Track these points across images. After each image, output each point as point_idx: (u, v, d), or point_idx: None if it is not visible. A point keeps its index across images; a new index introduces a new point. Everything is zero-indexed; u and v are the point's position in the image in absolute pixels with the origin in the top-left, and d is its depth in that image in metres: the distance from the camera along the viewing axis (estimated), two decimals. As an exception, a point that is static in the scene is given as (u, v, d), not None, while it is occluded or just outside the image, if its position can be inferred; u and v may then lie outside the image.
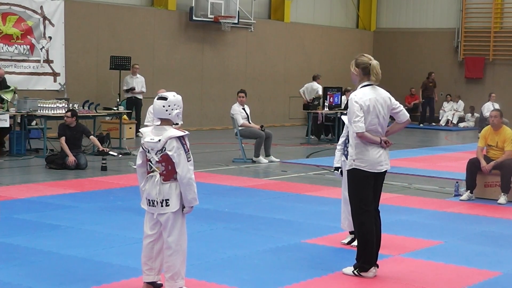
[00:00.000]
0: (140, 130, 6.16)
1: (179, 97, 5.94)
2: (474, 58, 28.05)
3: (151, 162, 5.88)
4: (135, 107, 19.76)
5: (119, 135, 17.43)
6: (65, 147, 13.34)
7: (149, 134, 5.90)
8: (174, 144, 5.78)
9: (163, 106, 5.85)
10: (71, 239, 7.89)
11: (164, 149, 5.79)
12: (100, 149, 13.94)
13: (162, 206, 5.84)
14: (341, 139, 7.91)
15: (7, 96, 14.99)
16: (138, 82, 19.95)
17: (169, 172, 5.83)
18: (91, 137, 14.07)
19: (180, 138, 5.81)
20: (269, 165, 14.94)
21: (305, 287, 6.44)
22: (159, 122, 5.95)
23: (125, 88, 19.88)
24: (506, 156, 11.00)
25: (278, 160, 15.36)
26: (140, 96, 19.96)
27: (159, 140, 5.79)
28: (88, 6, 20.16)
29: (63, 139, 13.42)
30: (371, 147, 6.67)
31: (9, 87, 15.78)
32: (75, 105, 15.59)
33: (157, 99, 5.91)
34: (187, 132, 5.89)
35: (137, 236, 7.30)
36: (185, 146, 5.81)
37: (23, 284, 6.20)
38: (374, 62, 6.73)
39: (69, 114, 13.67)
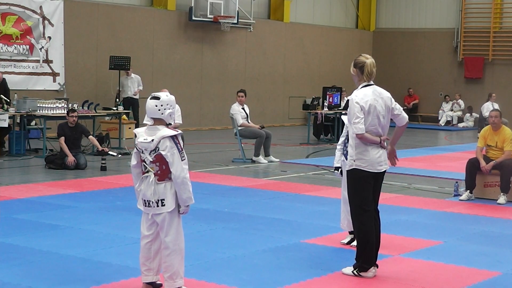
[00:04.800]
0: (134, 130, 6.13)
1: (172, 97, 5.93)
2: (473, 58, 28.06)
3: (145, 162, 5.87)
4: (132, 107, 19.68)
5: (118, 135, 17.43)
6: (65, 147, 13.33)
7: (143, 134, 5.88)
8: (167, 144, 5.77)
9: (156, 106, 5.83)
10: (70, 239, 7.88)
11: (157, 149, 5.78)
12: (100, 149, 13.93)
13: (157, 206, 5.82)
14: (341, 139, 7.90)
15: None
16: (133, 82, 19.85)
17: (164, 172, 5.82)
18: (90, 137, 14.06)
19: (173, 138, 5.79)
20: (268, 165, 14.93)
21: (305, 287, 6.43)
22: (152, 122, 5.94)
23: (118, 89, 19.85)
24: (505, 156, 10.99)
25: (277, 160, 15.36)
26: (136, 96, 19.89)
27: (152, 140, 5.78)
28: (87, 6, 20.16)
29: (62, 139, 13.42)
30: (371, 147, 6.66)
31: (8, 89, 15.79)
32: (74, 105, 15.58)
33: (150, 98, 5.89)
34: (180, 131, 5.88)
35: (136, 236, 7.28)
36: (178, 145, 5.80)
37: (22, 284, 6.19)
38: (369, 61, 6.70)
39: (75, 114, 13.66)
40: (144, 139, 5.83)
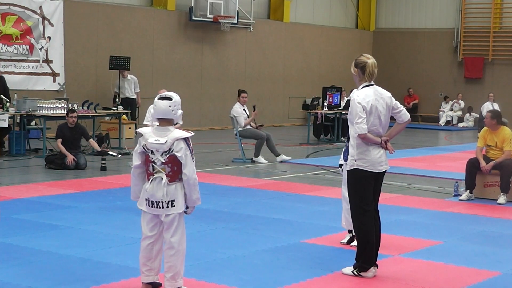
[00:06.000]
0: (138, 130, 6.08)
1: (179, 97, 5.94)
2: (473, 58, 28.06)
3: (154, 163, 5.84)
4: (130, 107, 19.70)
5: (118, 135, 17.43)
6: (63, 149, 13.35)
7: (152, 135, 5.83)
8: (182, 145, 5.75)
9: (169, 106, 5.80)
10: (70, 239, 7.88)
11: (171, 150, 5.76)
12: (99, 150, 13.92)
13: (168, 207, 5.81)
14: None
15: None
16: (129, 83, 19.90)
17: (175, 173, 5.81)
18: (90, 140, 14.03)
19: (186, 139, 5.79)
20: (268, 165, 14.93)
21: (305, 287, 6.43)
22: (158, 123, 5.91)
23: (115, 90, 19.89)
24: (505, 156, 11.00)
25: (289, 158, 15.37)
26: (133, 96, 19.95)
27: (166, 142, 5.75)
28: (87, 6, 20.15)
29: (59, 141, 13.44)
30: (372, 147, 6.66)
31: (7, 88, 15.77)
32: (74, 105, 15.58)
33: (161, 99, 5.83)
34: (192, 133, 5.87)
35: (136, 236, 7.29)
36: (190, 147, 5.80)
37: (22, 284, 6.19)
38: (370, 61, 6.70)
39: (74, 114, 13.65)
40: (156, 140, 5.79)
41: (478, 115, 24.70)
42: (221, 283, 6.37)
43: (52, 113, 15.01)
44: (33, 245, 7.53)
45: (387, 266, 7.10)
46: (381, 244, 6.92)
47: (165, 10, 22.10)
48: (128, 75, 19.82)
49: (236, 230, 8.61)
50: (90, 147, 15.53)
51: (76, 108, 15.55)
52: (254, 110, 15.44)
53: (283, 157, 15.33)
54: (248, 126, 15.39)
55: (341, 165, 8.07)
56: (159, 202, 5.82)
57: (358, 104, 6.61)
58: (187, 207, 5.90)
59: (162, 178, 5.80)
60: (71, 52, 19.72)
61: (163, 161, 5.79)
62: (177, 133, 5.79)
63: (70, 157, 13.23)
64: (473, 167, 11.14)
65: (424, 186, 12.59)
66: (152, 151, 5.82)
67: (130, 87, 19.88)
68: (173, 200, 5.81)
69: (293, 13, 26.66)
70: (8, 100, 15.13)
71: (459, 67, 28.48)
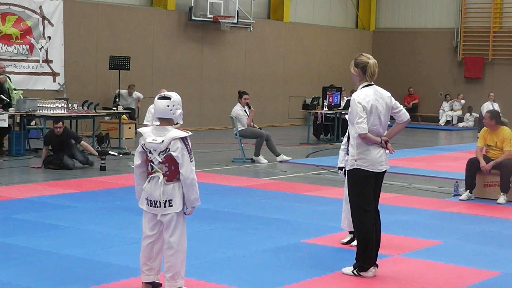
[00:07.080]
0: (139, 130, 6.10)
1: (179, 97, 5.94)
2: (473, 58, 28.07)
3: (153, 162, 5.84)
4: (129, 108, 19.83)
5: (118, 135, 17.43)
6: (43, 156, 13.50)
7: (150, 134, 5.84)
8: (179, 145, 5.75)
9: (168, 106, 5.81)
10: (70, 239, 7.88)
11: (168, 149, 5.76)
12: (94, 154, 13.90)
13: (165, 206, 5.82)
14: (345, 139, 7.88)
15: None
16: (133, 100, 20.42)
17: (172, 173, 5.81)
18: (82, 142, 13.93)
19: (184, 139, 5.79)
20: (268, 165, 14.93)
21: (305, 287, 6.43)
22: (158, 122, 5.91)
23: (117, 93, 20.05)
24: (505, 156, 11.00)
25: (289, 158, 15.38)
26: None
27: (163, 141, 5.76)
28: (87, 6, 20.15)
29: (45, 148, 13.49)
30: (372, 147, 6.66)
31: (14, 88, 15.79)
32: (74, 105, 15.57)
33: (160, 98, 5.84)
34: (190, 133, 5.87)
35: (136, 236, 7.30)
36: (188, 146, 5.80)
37: (22, 284, 6.19)
38: (372, 62, 6.70)
39: (60, 124, 13.56)
40: (153, 140, 5.79)
41: (478, 115, 24.70)
42: (221, 283, 6.37)
43: (52, 113, 14.99)
44: (33, 245, 7.53)
45: (387, 266, 7.10)
46: (381, 244, 6.92)
47: (165, 10, 22.10)
48: (134, 92, 20.14)
49: (236, 230, 8.61)
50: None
51: (76, 108, 15.56)
52: (250, 108, 15.52)
53: (283, 157, 15.34)
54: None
55: (340, 168, 8.04)
56: (156, 201, 5.82)
57: (359, 104, 6.61)
58: (186, 208, 5.90)
59: (159, 178, 5.81)
60: (71, 52, 19.72)
61: (160, 160, 5.80)
62: (174, 132, 5.78)
63: (39, 165, 13.40)
64: (473, 167, 11.14)
65: (424, 186, 12.59)
66: (150, 151, 5.83)
67: (134, 102, 20.36)
68: (171, 200, 5.81)
69: (293, 13, 26.66)
70: (9, 100, 15.11)
71: (459, 67, 28.48)
